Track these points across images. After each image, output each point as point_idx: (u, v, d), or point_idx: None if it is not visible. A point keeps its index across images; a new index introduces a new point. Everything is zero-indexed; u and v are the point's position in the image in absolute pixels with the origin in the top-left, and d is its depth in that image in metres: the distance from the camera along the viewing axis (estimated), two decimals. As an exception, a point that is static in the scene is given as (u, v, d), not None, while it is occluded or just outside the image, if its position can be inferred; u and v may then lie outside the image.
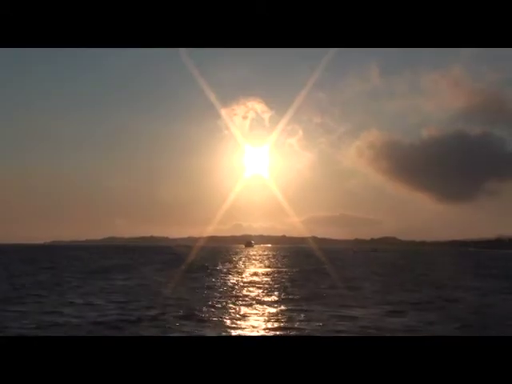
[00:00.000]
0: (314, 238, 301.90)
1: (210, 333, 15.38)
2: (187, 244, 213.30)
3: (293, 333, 15.50)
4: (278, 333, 15.55)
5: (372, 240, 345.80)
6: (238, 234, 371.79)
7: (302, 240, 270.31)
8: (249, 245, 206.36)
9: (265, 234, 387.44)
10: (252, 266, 58.13)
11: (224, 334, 15.30)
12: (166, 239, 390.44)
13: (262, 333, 15.56)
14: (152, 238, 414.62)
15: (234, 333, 15.44)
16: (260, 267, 56.22)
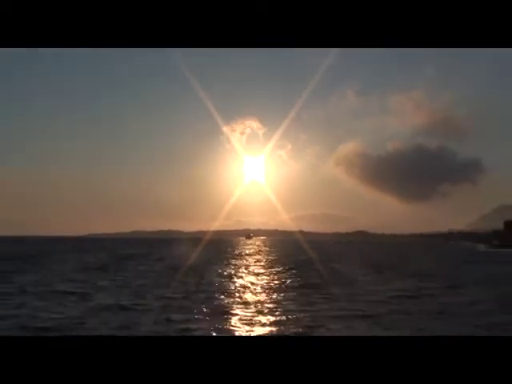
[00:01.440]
0: (301, 232, 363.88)
1: (209, 333, 15.38)
2: (197, 236, 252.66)
3: (292, 333, 15.51)
4: (278, 333, 15.55)
5: (347, 233, 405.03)
6: (240, 228, 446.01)
7: (291, 233, 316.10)
8: (249, 237, 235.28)
9: (262, 228, 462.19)
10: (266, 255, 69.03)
11: (224, 334, 15.30)
12: (181, 232, 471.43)
13: (262, 333, 15.56)
14: (169, 231, 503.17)
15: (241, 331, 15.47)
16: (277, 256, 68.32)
